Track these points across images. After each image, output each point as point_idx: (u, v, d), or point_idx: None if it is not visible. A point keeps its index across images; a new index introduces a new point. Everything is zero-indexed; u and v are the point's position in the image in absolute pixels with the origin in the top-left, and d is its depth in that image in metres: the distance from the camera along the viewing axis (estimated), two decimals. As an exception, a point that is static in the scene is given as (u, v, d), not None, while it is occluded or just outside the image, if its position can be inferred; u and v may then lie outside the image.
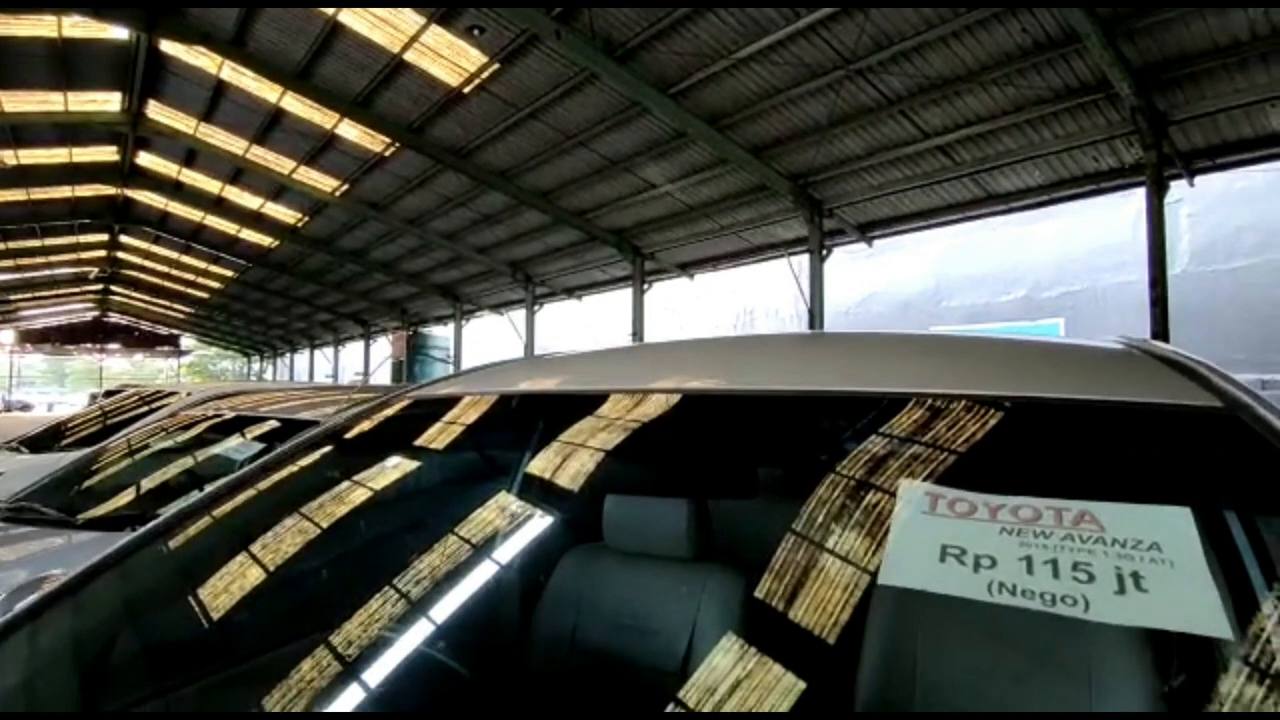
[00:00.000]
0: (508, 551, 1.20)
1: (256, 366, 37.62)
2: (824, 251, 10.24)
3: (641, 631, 1.11)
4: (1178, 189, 7.85)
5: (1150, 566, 0.52)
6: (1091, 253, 11.77)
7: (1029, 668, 0.84)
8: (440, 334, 21.28)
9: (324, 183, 13.20)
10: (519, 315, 16.88)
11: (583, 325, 17.01)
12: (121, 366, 40.59)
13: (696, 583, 1.10)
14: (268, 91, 10.44)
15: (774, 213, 10.66)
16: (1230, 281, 10.47)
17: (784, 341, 1.35)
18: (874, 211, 10.30)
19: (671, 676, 1.01)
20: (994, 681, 0.83)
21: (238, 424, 3.04)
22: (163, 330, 36.35)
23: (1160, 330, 6.91)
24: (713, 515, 1.17)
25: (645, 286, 13.54)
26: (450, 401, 1.22)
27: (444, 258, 15.99)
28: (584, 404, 1.11)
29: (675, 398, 0.97)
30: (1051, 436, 0.77)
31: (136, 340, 37.24)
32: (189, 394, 4.55)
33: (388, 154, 11.51)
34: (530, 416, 1.39)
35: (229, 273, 22.13)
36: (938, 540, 0.58)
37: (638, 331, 13.21)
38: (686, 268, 13.66)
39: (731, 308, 16.48)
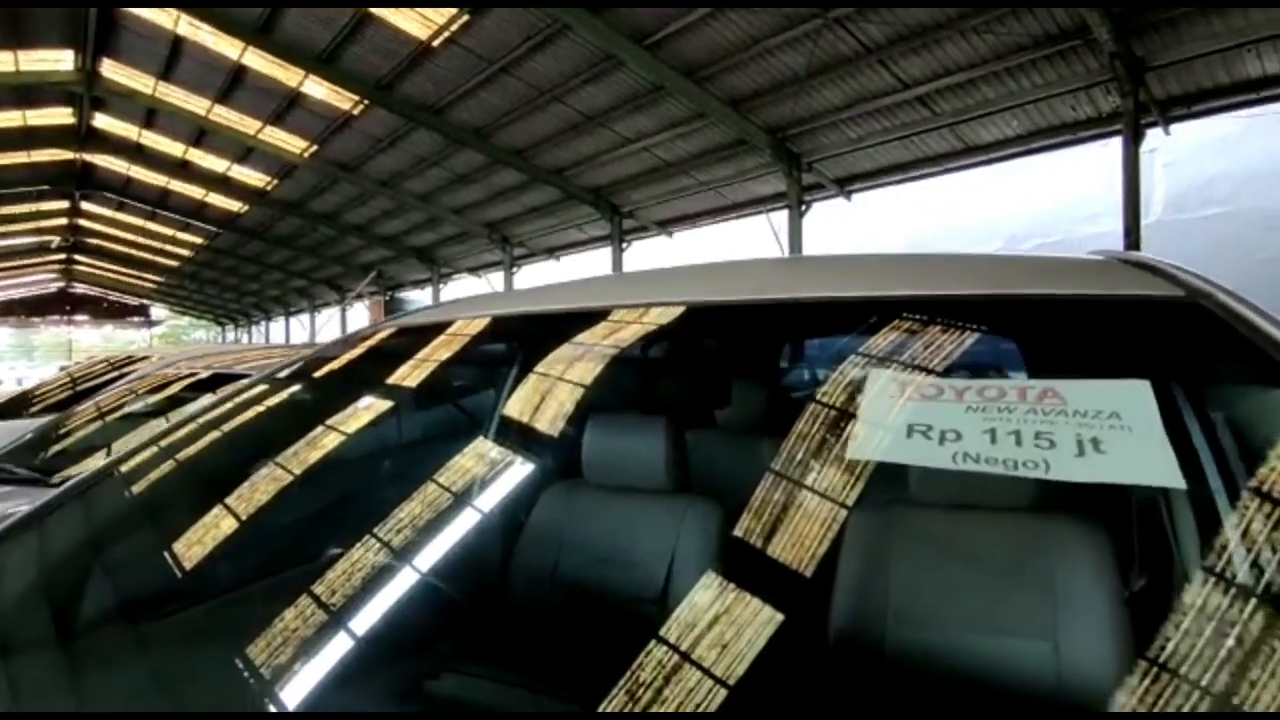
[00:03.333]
0: (486, 490, 1.19)
1: (231, 335, 37.02)
2: (803, 207, 10.19)
3: (621, 564, 1.11)
4: (1154, 138, 7.87)
5: (1109, 432, 0.55)
6: (1067, 204, 11.85)
7: (996, 584, 0.86)
8: (418, 298, 21.04)
9: (292, 143, 12.82)
10: (497, 277, 16.70)
11: (562, 286, 16.86)
12: (91, 339, 39.70)
13: (675, 513, 1.11)
14: (227, 47, 10.05)
15: (753, 168, 10.56)
16: (1203, 229, 10.61)
17: (766, 262, 1.35)
18: (853, 165, 10.23)
19: (651, 604, 1.02)
20: (963, 598, 0.85)
21: (213, 382, 2.98)
22: (132, 301, 35.53)
23: (1134, 278, 6.98)
24: (691, 446, 1.17)
25: (624, 245, 13.43)
26: (430, 330, 1.20)
27: (419, 220, 15.71)
28: (565, 324, 1.09)
29: (659, 312, 0.96)
30: (1026, 328, 0.80)
31: (105, 311, 36.40)
32: (161, 357, 4.46)
33: (356, 112, 11.19)
34: (508, 342, 1.37)
35: (198, 239, 21.58)
36: (904, 420, 0.60)
37: (618, 291, 13.11)
38: (665, 225, 13.54)
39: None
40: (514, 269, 16.05)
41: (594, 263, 14.92)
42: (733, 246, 15.33)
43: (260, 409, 1.14)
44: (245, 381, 1.18)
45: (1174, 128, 7.99)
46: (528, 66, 8.99)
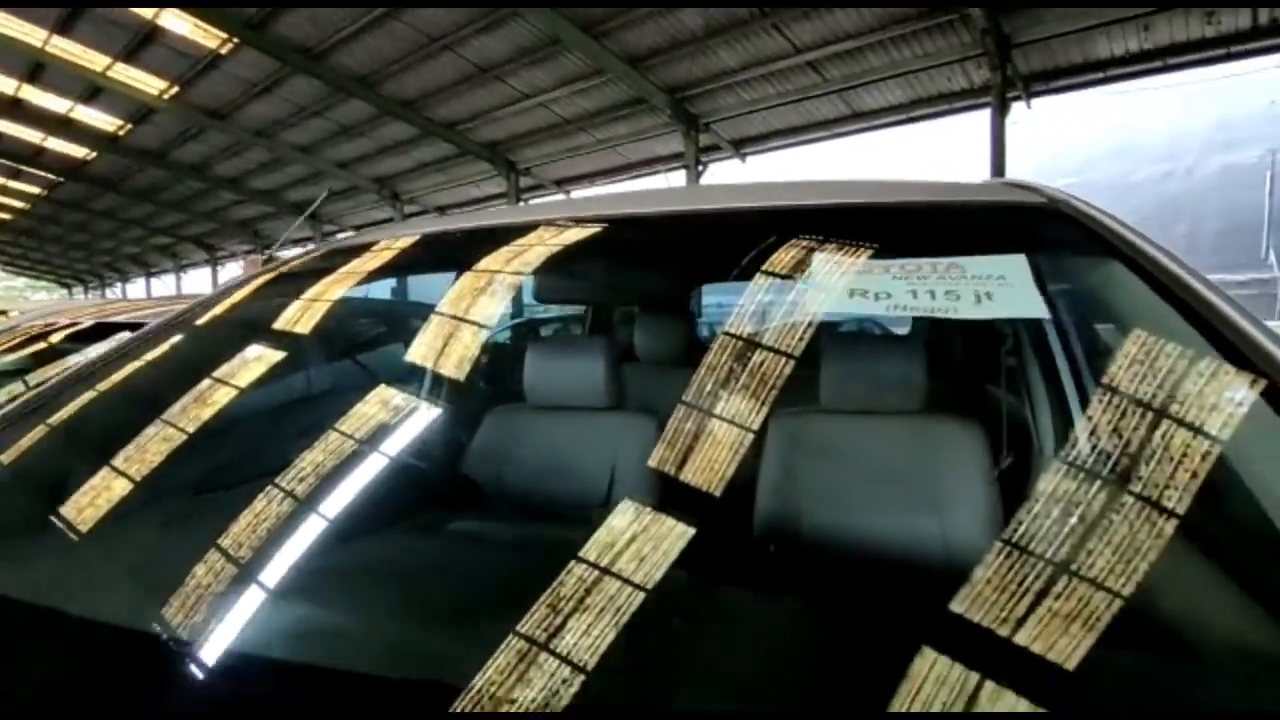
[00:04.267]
0: (425, 413, 1.20)
1: (81, 298, 33.50)
2: (700, 167, 10.36)
3: (565, 475, 1.18)
4: (1021, 112, 8.54)
5: (996, 288, 0.73)
6: (943, 173, 12.65)
7: (892, 474, 1.02)
8: (300, 258, 19.83)
9: (149, 84, 11.59)
10: (387, 236, 15.97)
11: (457, 246, 16.42)
12: (-94, 302, 34.81)
13: (615, 427, 1.18)
14: (67, -30, 8.92)
15: (651, 127, 10.59)
16: (1056, 197, 11.70)
17: (696, 186, 1.44)
18: (748, 127, 10.48)
19: (598, 508, 1.10)
20: (866, 486, 1.01)
21: (99, 331, 2.73)
22: (-45, 259, 31.30)
23: (998, 241, 7.64)
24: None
25: (521, 204, 13.19)
26: (356, 251, 1.20)
27: (300, 174, 14.71)
28: (499, 239, 1.10)
29: (598, 227, 1.02)
30: (931, 226, 0.96)
31: (-79, 271, 31.93)
32: (21, 312, 4.02)
33: (225, 52, 10.25)
34: (441, 262, 1.37)
35: (35, 189, 19.22)
36: (846, 288, 0.72)
37: (516, 251, 12.90)
38: (562, 184, 13.39)
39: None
40: (405, 227, 15.41)
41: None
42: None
43: (208, 324, 1.11)
44: (195, 303, 1.13)
45: (1035, 102, 8.70)
46: (416, 11, 8.54)
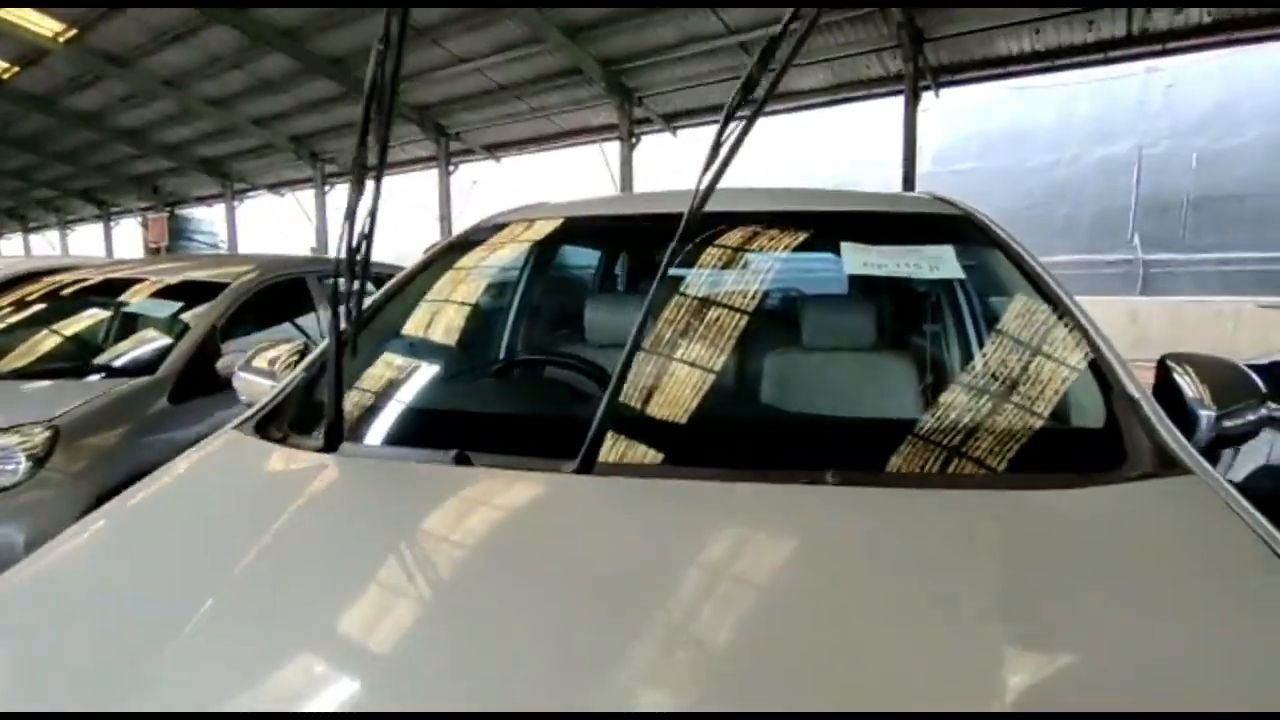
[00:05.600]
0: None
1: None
2: (633, 139, 10.67)
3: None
4: (930, 101, 9.28)
5: (939, 262, 1.23)
6: (858, 153, 13.49)
7: (857, 383, 1.46)
8: (205, 217, 18.88)
9: (42, 24, 10.73)
10: (305, 196, 15.51)
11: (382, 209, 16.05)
12: None
13: None
14: (-46, -105, 8.20)
15: (586, 99, 10.78)
16: (957, 181, 12.70)
17: (761, 189, 1.92)
18: (680, 102, 10.82)
19: None
20: (841, 391, 1.44)
21: (108, 288, 2.95)
22: None
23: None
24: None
25: (451, 168, 13.12)
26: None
27: (210, 128, 13.99)
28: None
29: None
30: (888, 228, 1.43)
31: None
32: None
33: (135, -4, 9.67)
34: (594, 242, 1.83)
35: (-105, 133, 17.38)
36: (862, 260, 1.15)
37: (445, 215, 12.90)
38: (493, 150, 13.38)
39: (545, 195, 16.54)
40: (327, 188, 14.96)
41: (417, 184, 14.30)
42: (563, 174, 15.50)
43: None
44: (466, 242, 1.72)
45: (943, 92, 9.47)
46: (351, -33, 8.40)
